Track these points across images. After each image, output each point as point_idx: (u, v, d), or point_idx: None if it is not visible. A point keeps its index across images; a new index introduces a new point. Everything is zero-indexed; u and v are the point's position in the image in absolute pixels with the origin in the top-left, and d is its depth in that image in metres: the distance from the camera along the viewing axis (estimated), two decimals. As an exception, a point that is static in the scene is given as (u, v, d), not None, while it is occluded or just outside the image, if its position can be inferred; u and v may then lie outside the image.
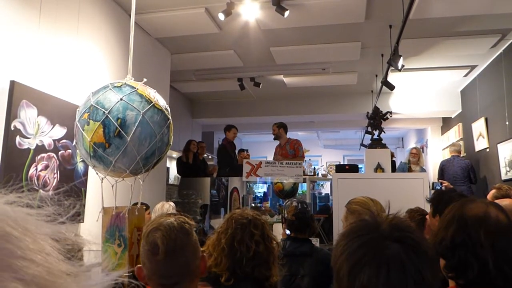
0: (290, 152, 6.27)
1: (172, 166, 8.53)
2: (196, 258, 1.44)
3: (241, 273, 1.77)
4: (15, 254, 0.35)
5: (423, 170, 6.81)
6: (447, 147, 9.09)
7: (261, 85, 7.50)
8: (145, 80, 2.12)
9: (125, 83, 2.02)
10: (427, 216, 2.72)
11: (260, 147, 12.71)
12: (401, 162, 7.41)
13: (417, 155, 6.89)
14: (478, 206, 1.25)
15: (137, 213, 2.01)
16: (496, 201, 2.20)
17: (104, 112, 1.88)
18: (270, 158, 6.54)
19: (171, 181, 8.36)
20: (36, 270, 0.35)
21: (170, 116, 2.09)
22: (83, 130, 1.91)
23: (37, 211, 0.40)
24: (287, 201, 2.96)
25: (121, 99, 1.92)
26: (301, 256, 2.60)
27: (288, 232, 2.79)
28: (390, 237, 0.84)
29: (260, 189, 10.93)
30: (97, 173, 2.03)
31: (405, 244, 0.82)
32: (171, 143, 2.13)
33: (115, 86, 1.99)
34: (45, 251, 0.37)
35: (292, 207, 2.81)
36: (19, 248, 0.36)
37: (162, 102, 2.06)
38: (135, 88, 1.99)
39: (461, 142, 8.07)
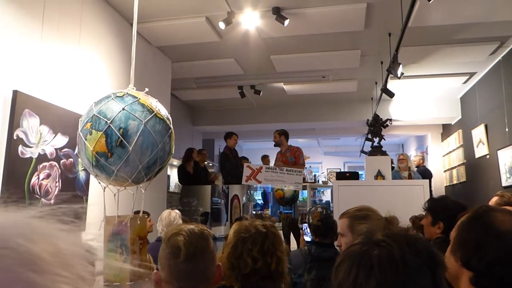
0: (291, 159, 6.27)
1: (173, 174, 8.54)
2: (213, 265, 1.47)
3: (249, 286, 1.76)
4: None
5: (415, 174, 6.79)
6: (447, 153, 9.11)
7: (261, 92, 7.54)
8: (147, 89, 2.14)
9: (127, 93, 2.04)
10: (423, 222, 2.68)
11: (261, 154, 12.66)
12: (393, 169, 7.39)
13: (404, 160, 6.88)
14: (507, 219, 1.22)
15: (139, 222, 2.02)
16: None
17: (106, 121, 1.90)
18: (271, 165, 6.54)
19: (171, 189, 8.36)
20: None
21: (171, 126, 2.11)
22: (86, 139, 1.92)
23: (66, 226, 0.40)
24: (311, 207, 3.04)
25: (123, 109, 1.93)
26: (327, 261, 2.64)
27: (308, 239, 2.82)
28: (375, 244, 0.86)
29: (260, 195, 10.93)
30: (99, 182, 2.05)
31: (384, 249, 0.84)
32: (173, 152, 2.14)
33: (117, 96, 2.01)
34: (73, 270, 0.37)
35: (317, 213, 2.88)
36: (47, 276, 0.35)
37: (163, 112, 2.08)
38: (137, 97, 2.01)
39: (461, 149, 8.09)
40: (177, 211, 3.85)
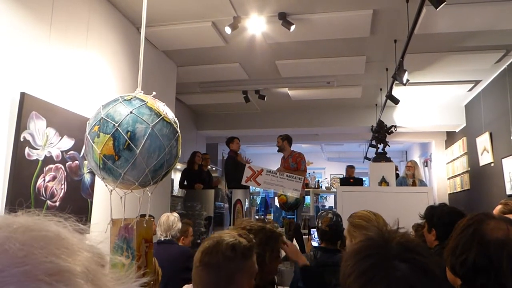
0: (292, 165, 6.26)
1: (177, 178, 8.54)
2: (231, 284, 1.42)
3: None
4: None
5: (422, 182, 6.78)
6: (451, 161, 9.09)
7: (266, 97, 7.55)
8: (154, 93, 2.15)
9: (135, 96, 2.05)
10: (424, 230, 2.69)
11: (264, 159, 12.72)
12: (399, 176, 7.39)
13: (412, 167, 6.85)
14: (499, 227, 1.22)
15: (145, 225, 2.02)
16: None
17: (114, 125, 1.91)
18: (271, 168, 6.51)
19: (175, 192, 8.36)
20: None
21: (178, 129, 2.11)
22: (93, 142, 1.93)
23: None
24: (322, 211, 3.05)
25: (131, 112, 1.94)
26: (333, 266, 2.64)
27: (315, 245, 2.83)
28: (399, 257, 0.83)
29: (259, 200, 10.91)
30: (106, 185, 2.05)
31: (414, 265, 0.82)
32: (179, 156, 2.15)
33: (125, 99, 2.02)
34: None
35: (327, 218, 2.90)
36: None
37: (171, 115, 2.08)
38: (144, 101, 2.02)
39: (465, 156, 8.07)
40: (176, 214, 3.83)
